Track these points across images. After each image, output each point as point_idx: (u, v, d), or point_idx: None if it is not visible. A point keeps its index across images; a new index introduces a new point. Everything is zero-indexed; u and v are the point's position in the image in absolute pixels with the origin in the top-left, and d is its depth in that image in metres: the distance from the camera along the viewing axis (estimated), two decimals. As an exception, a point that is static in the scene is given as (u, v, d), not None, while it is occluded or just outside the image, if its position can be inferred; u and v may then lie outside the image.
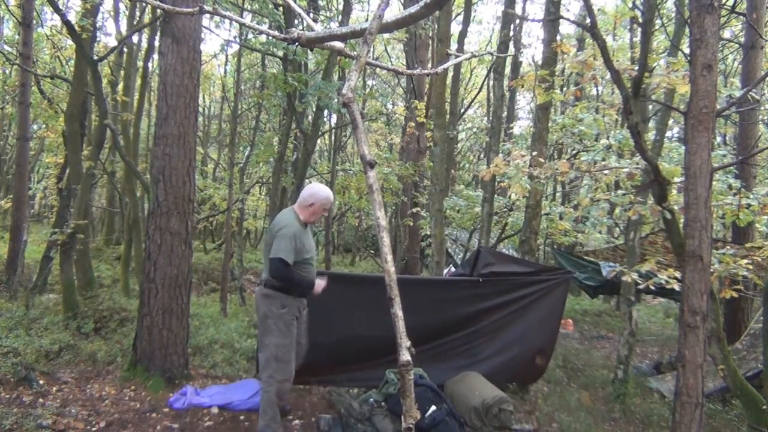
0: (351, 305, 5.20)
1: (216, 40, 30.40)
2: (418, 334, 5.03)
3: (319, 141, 14.09)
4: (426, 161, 12.68)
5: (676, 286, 4.24)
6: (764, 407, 4.28)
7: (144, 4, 8.65)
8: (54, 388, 4.52)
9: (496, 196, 9.71)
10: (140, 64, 10.96)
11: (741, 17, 8.60)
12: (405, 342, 0.99)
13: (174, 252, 4.92)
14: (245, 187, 14.64)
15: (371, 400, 4.53)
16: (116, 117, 9.67)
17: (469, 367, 5.20)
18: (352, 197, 14.22)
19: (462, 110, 16.21)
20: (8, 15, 11.83)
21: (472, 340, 5.47)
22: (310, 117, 11.50)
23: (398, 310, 1.02)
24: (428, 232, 9.50)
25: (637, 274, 5.05)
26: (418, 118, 11.96)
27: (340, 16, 10.94)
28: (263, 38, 9.06)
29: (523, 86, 7.54)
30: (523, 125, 18.12)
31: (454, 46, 10.08)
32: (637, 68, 3.86)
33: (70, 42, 10.45)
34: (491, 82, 12.77)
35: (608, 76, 5.08)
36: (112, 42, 13.12)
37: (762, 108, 8.25)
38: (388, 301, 1.02)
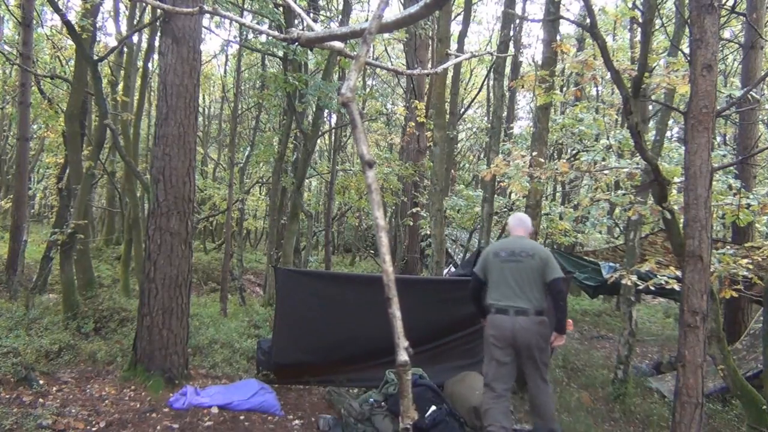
0: (351, 305, 5.21)
1: (216, 40, 30.41)
2: (418, 334, 5.03)
3: (319, 141, 14.09)
4: (426, 161, 12.68)
5: (676, 286, 4.23)
6: (764, 407, 4.28)
7: (144, 4, 8.65)
8: (54, 388, 4.52)
9: (496, 196, 9.70)
10: (140, 64, 10.95)
11: (741, 17, 8.59)
12: (403, 342, 0.99)
13: (174, 252, 4.92)
14: (245, 187, 14.65)
15: (371, 400, 4.53)
16: (116, 117, 9.66)
17: (469, 367, 5.20)
18: (352, 197, 14.22)
19: (462, 110, 16.20)
20: (8, 15, 11.82)
21: (472, 340, 5.47)
22: (310, 117, 11.50)
23: (396, 310, 1.01)
24: (428, 232, 9.51)
25: (636, 275, 5.05)
26: (418, 118, 11.96)
27: (340, 16, 10.95)
28: (263, 38, 9.07)
29: (523, 86, 7.54)
30: (523, 125, 18.12)
31: (454, 46, 10.07)
32: (637, 68, 3.86)
33: (70, 42, 10.44)
34: (491, 82, 12.76)
35: (608, 76, 5.08)
36: (112, 42, 13.13)
37: (762, 108, 8.23)
38: (387, 301, 1.02)
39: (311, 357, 5.18)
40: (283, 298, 5.27)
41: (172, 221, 4.90)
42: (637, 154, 4.61)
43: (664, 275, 4.68)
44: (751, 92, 4.92)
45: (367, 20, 8.68)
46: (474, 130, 18.92)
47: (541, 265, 3.81)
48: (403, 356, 0.98)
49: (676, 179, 5.01)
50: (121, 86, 11.05)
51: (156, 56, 8.98)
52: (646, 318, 12.24)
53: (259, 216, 19.65)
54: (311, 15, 9.53)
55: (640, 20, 5.08)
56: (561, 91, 9.49)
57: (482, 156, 19.24)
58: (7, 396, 4.17)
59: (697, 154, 2.89)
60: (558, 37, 7.31)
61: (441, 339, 5.41)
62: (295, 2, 5.36)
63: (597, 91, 15.15)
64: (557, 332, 3.93)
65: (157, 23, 7.76)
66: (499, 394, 3.84)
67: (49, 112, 10.07)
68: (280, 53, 9.18)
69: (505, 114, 11.81)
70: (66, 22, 6.85)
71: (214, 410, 4.34)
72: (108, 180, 13.14)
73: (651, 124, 7.86)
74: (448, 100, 10.24)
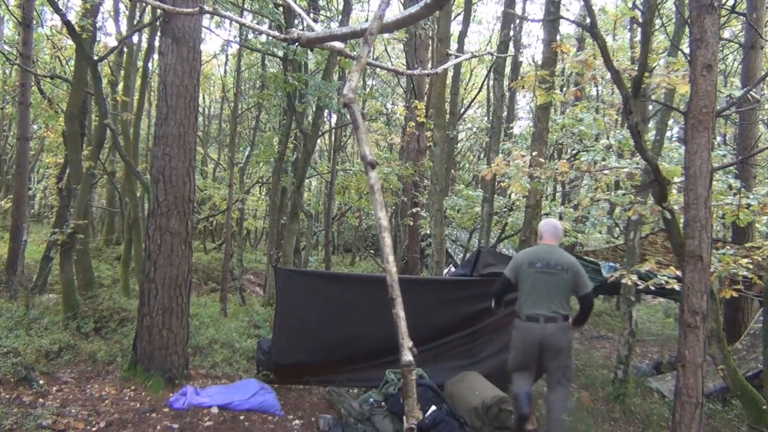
0: (351, 306, 5.21)
1: (216, 40, 30.42)
2: (419, 334, 5.00)
3: (319, 141, 14.08)
4: (426, 161, 12.67)
5: (676, 286, 4.23)
6: (764, 407, 4.28)
7: (144, 4, 8.65)
8: (54, 388, 4.52)
9: (496, 196, 9.70)
10: (140, 64, 10.95)
11: (741, 17, 8.59)
12: (407, 342, 0.99)
13: (174, 252, 4.92)
14: (245, 187, 14.65)
15: (371, 400, 4.53)
16: (116, 117, 9.66)
17: (469, 367, 5.20)
18: (352, 197, 14.22)
19: (462, 110, 16.20)
20: (8, 15, 11.82)
21: (472, 340, 5.47)
22: (310, 117, 11.50)
23: (400, 311, 1.01)
24: (428, 232, 9.51)
25: (637, 275, 5.05)
26: (418, 118, 11.95)
27: (340, 16, 10.94)
28: (263, 38, 9.07)
29: (523, 87, 7.53)
30: (523, 125, 18.11)
31: (454, 46, 10.07)
32: (637, 68, 3.85)
33: (70, 42, 10.44)
34: (491, 82, 12.76)
35: (608, 76, 5.08)
36: (112, 42, 13.13)
37: (762, 108, 8.23)
38: (390, 302, 1.02)
39: (311, 357, 5.18)
40: (283, 298, 5.27)
41: (172, 221, 4.90)
42: (637, 154, 4.61)
43: (664, 275, 4.67)
44: (751, 92, 4.92)
45: (367, 20, 8.69)
46: (474, 130, 18.91)
47: (573, 278, 4.13)
48: (407, 356, 0.98)
49: (676, 179, 5.01)
50: (121, 86, 11.05)
51: (156, 56, 8.98)
52: (646, 318, 12.24)
53: (259, 216, 19.64)
54: (311, 15, 9.53)
55: (640, 20, 5.08)
56: (561, 91, 9.49)
57: (482, 156, 19.25)
58: (7, 396, 4.17)
59: (697, 154, 2.89)
60: (558, 37, 7.30)
61: (441, 339, 5.41)
62: (295, 2, 5.36)
63: (597, 91, 15.15)
64: (575, 326, 4.34)
65: (157, 23, 7.76)
66: (525, 377, 4.25)
67: (49, 112, 10.07)
68: (280, 53, 9.18)
69: (505, 114, 11.81)
70: (66, 22, 6.85)
71: (214, 410, 4.34)
72: (108, 180, 13.13)
73: (651, 124, 7.85)
74: (448, 100, 10.23)
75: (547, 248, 4.25)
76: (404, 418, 1.03)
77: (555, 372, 4.18)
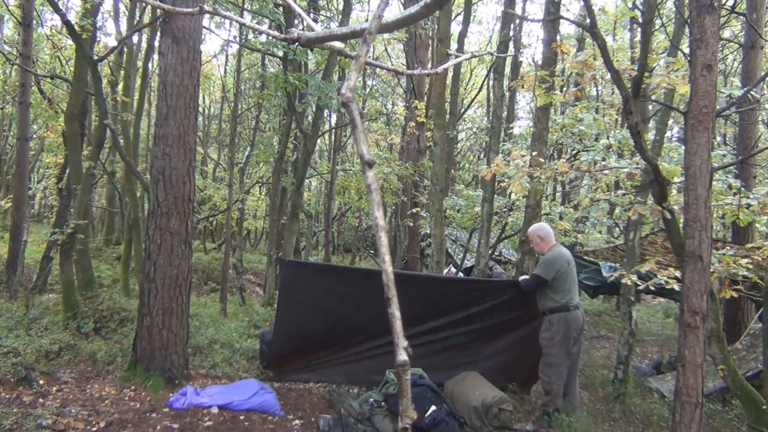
0: (354, 299, 5.22)
1: (216, 40, 30.44)
2: (419, 332, 5.05)
3: (319, 141, 14.08)
4: (426, 161, 12.67)
5: (676, 286, 4.23)
6: (764, 407, 4.27)
7: (144, 4, 8.65)
8: (54, 388, 4.52)
9: (496, 196, 9.69)
10: (140, 64, 10.95)
11: (741, 17, 8.59)
12: (402, 342, 0.99)
13: (174, 252, 4.92)
14: (245, 187, 14.64)
15: (371, 400, 4.53)
16: (116, 117, 9.66)
17: (469, 367, 5.21)
18: (352, 197, 14.22)
19: (462, 110, 16.19)
20: (8, 15, 11.82)
21: (472, 340, 5.47)
22: (310, 117, 11.49)
23: (396, 310, 1.01)
24: (428, 232, 9.50)
25: (636, 276, 5.05)
26: (418, 118, 11.95)
27: (340, 16, 10.94)
28: (263, 38, 9.06)
29: (523, 87, 7.52)
30: (523, 125, 18.11)
31: (454, 46, 10.06)
32: (637, 68, 3.85)
33: (70, 42, 10.44)
34: (491, 82, 12.73)
35: (608, 76, 5.08)
36: (112, 42, 13.12)
37: (762, 108, 8.22)
38: (386, 301, 1.02)
39: (313, 348, 5.21)
40: (286, 289, 5.28)
41: (172, 221, 4.90)
42: (637, 154, 4.60)
43: (663, 276, 4.67)
44: (751, 92, 4.92)
45: (367, 20, 8.69)
46: (474, 130, 18.91)
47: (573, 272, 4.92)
48: (402, 356, 0.98)
49: (676, 179, 5.00)
50: (121, 86, 11.04)
51: (156, 56, 8.98)
52: (646, 318, 12.23)
53: (259, 216, 19.64)
54: (311, 15, 9.53)
55: (640, 20, 5.07)
56: (561, 91, 9.48)
57: (482, 156, 19.23)
58: (7, 396, 4.18)
59: (697, 154, 2.88)
60: (558, 37, 7.29)
61: (441, 339, 5.41)
62: (295, 2, 5.36)
63: (597, 91, 15.14)
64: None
65: (157, 23, 7.75)
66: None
67: (49, 112, 10.07)
68: (280, 53, 9.17)
69: (505, 114, 11.79)
70: (66, 22, 6.85)
71: (214, 410, 4.34)
72: (108, 180, 13.12)
73: (651, 124, 7.84)
74: (448, 100, 10.22)
75: (562, 248, 4.93)
76: (399, 417, 1.03)
77: (578, 355, 4.86)
